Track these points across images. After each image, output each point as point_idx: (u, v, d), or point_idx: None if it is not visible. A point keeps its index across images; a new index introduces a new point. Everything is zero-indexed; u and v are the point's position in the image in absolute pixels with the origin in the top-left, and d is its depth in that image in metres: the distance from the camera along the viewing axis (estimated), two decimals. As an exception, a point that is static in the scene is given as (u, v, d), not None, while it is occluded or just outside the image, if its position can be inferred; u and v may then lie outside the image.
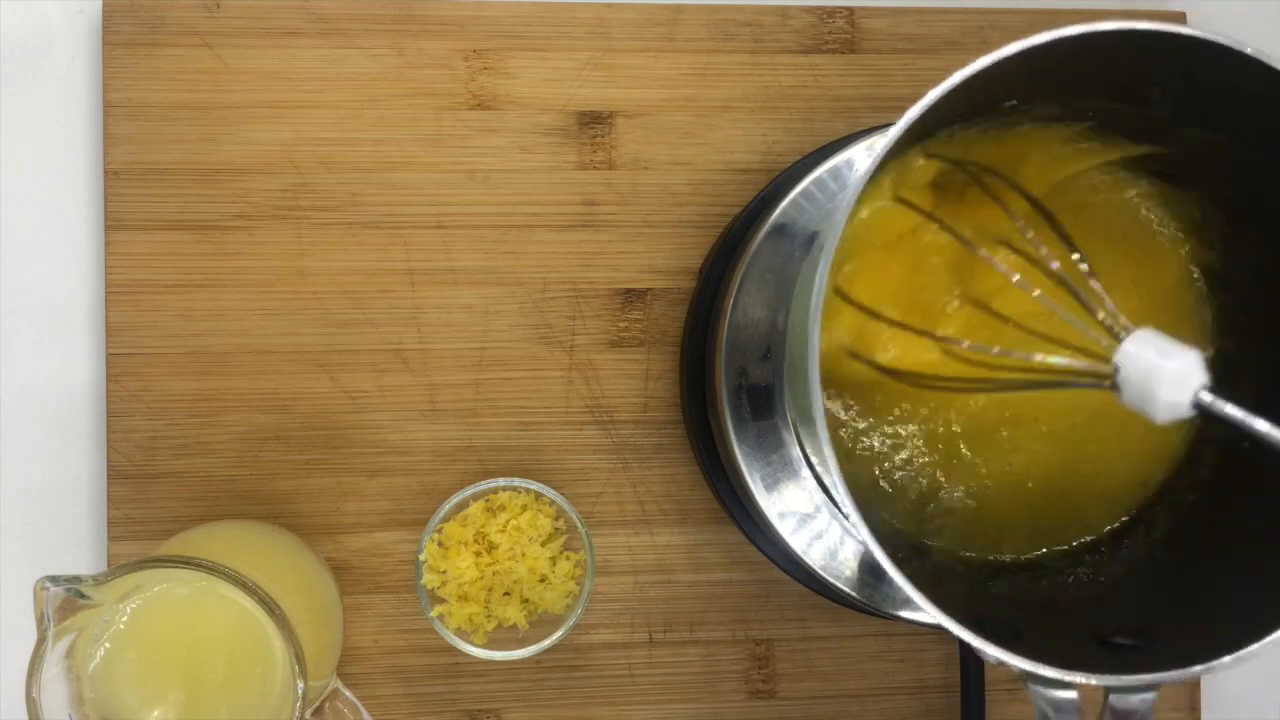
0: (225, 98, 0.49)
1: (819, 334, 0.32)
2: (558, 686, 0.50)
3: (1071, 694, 0.33)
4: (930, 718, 0.51)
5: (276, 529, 0.47)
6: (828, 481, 0.42)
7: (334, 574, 0.48)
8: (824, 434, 0.32)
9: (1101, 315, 0.32)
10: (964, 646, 0.43)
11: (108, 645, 0.38)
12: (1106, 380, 0.31)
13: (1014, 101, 0.37)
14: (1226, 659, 0.32)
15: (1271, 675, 0.54)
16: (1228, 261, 0.40)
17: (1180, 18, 0.53)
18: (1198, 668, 0.32)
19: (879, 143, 0.32)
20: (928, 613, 0.32)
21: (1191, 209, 0.40)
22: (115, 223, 0.48)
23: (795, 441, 0.44)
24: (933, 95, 0.32)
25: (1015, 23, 0.52)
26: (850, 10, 0.51)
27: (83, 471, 0.48)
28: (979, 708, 0.48)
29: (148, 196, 0.48)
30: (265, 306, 0.49)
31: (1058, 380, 0.33)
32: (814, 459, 0.43)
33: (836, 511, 0.44)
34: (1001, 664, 0.32)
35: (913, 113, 0.32)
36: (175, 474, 0.48)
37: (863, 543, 0.32)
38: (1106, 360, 0.31)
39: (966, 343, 0.37)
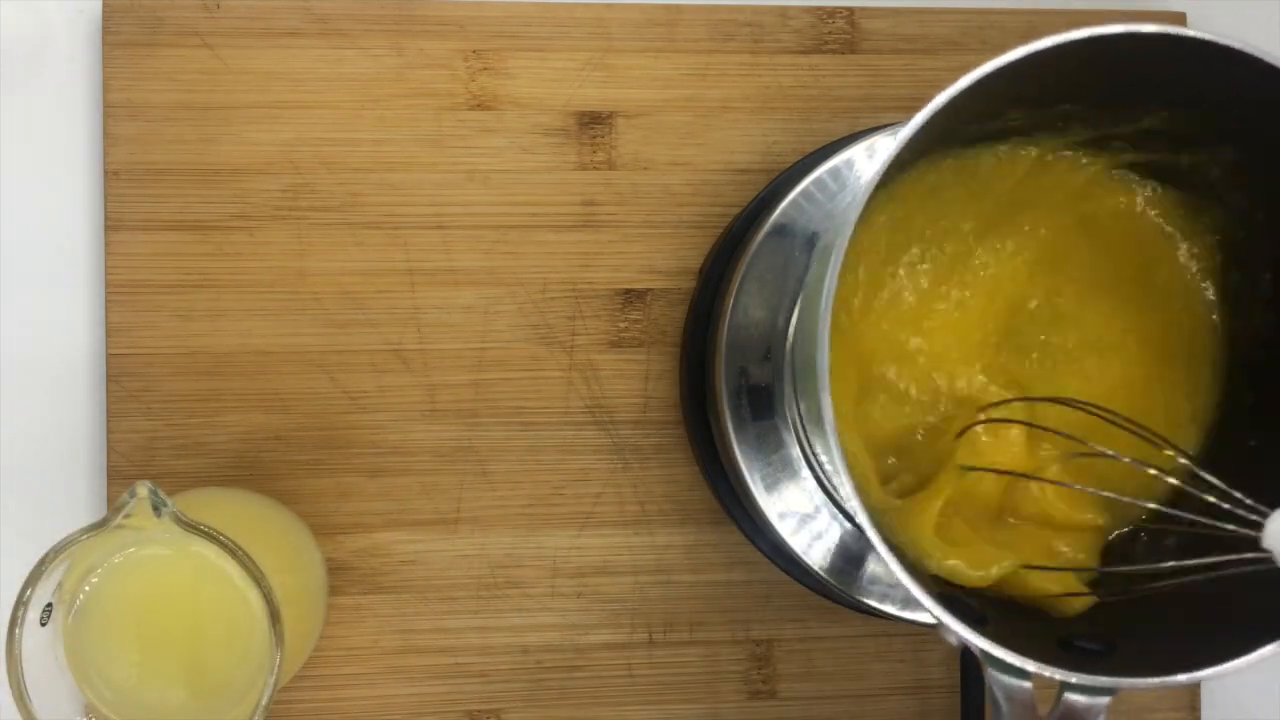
0: (225, 98, 0.49)
1: (829, 333, 0.33)
2: (558, 687, 0.50)
3: (1027, 684, 0.34)
4: (930, 718, 0.51)
5: (279, 506, 0.47)
6: (823, 453, 0.42)
7: (332, 574, 0.48)
8: (829, 420, 0.32)
9: (1228, 506, 0.34)
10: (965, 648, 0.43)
11: (94, 580, 0.39)
12: (1263, 563, 0.32)
13: (1069, 105, 0.38)
14: (1181, 677, 0.33)
15: (1272, 675, 0.54)
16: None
17: (1180, 19, 0.53)
18: (1153, 679, 0.33)
19: (881, 143, 0.33)
20: (899, 578, 0.32)
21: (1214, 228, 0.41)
22: (115, 223, 0.48)
23: (795, 441, 0.44)
24: (956, 86, 0.33)
25: (1015, 23, 0.52)
26: (850, 10, 0.51)
27: (82, 471, 0.48)
28: (979, 708, 0.48)
29: (147, 196, 0.48)
30: (265, 307, 0.49)
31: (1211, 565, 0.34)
32: (818, 447, 0.43)
33: (837, 512, 0.44)
34: (965, 644, 0.33)
35: (931, 107, 0.33)
36: (175, 474, 0.48)
37: (853, 520, 0.32)
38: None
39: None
